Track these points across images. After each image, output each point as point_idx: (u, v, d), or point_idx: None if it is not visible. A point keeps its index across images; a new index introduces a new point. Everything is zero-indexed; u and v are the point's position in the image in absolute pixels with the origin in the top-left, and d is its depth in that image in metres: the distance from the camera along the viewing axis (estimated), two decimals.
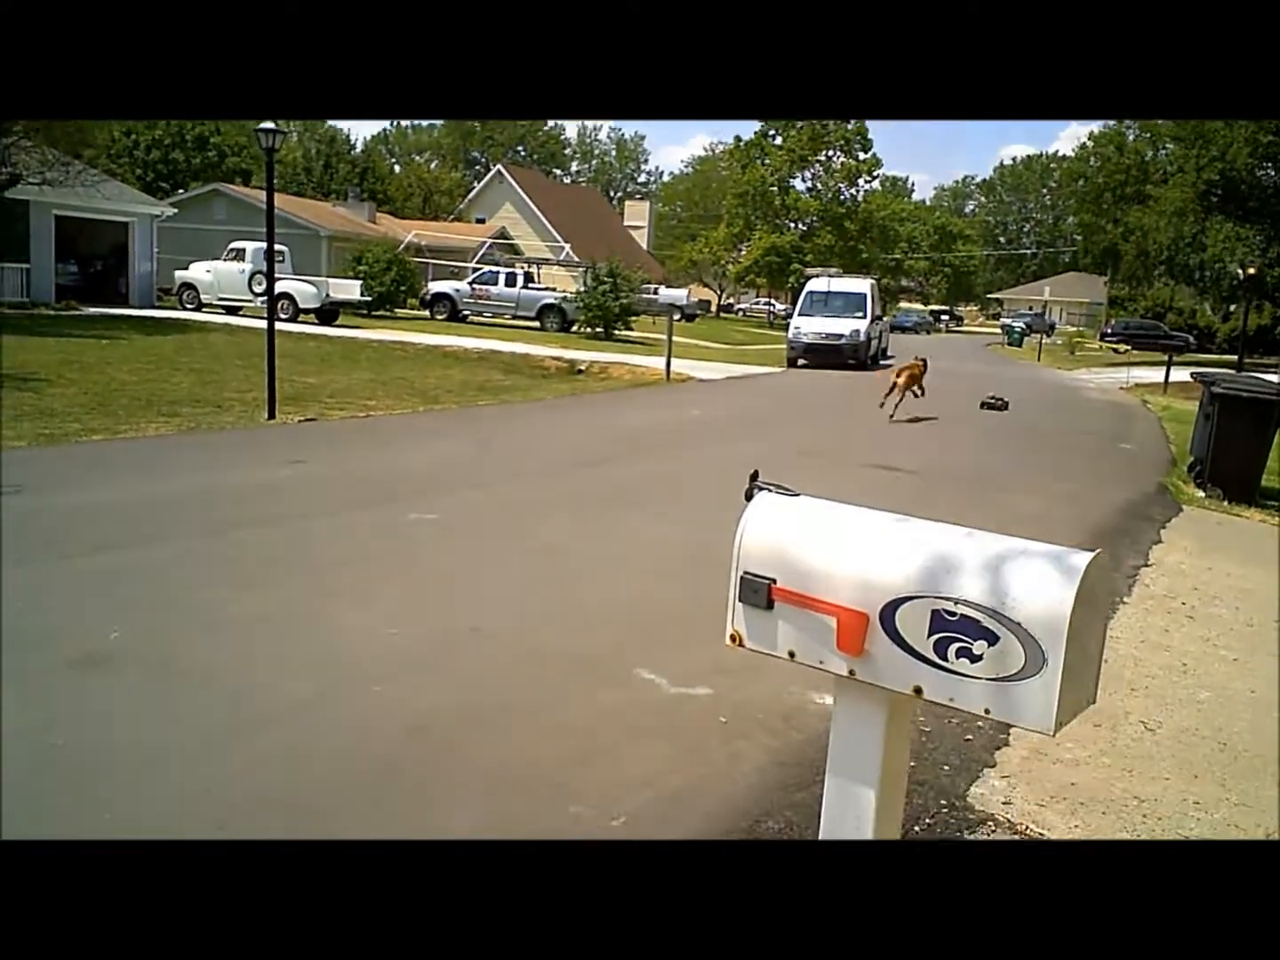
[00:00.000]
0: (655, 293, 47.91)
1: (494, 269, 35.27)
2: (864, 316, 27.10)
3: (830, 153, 59.67)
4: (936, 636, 1.93)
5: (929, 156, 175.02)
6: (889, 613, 1.98)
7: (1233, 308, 45.67)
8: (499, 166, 60.66)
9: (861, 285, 28.94)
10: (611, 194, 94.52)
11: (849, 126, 59.01)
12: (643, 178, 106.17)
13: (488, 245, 43.55)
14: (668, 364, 20.70)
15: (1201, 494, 10.83)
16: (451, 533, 7.38)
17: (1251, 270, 29.58)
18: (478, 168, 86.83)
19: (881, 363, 29.22)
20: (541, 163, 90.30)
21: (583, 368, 21.75)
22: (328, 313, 27.41)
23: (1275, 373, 27.21)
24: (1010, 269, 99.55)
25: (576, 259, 41.89)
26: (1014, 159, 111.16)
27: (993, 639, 1.88)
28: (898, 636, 1.97)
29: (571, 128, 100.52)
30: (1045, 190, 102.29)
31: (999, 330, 60.82)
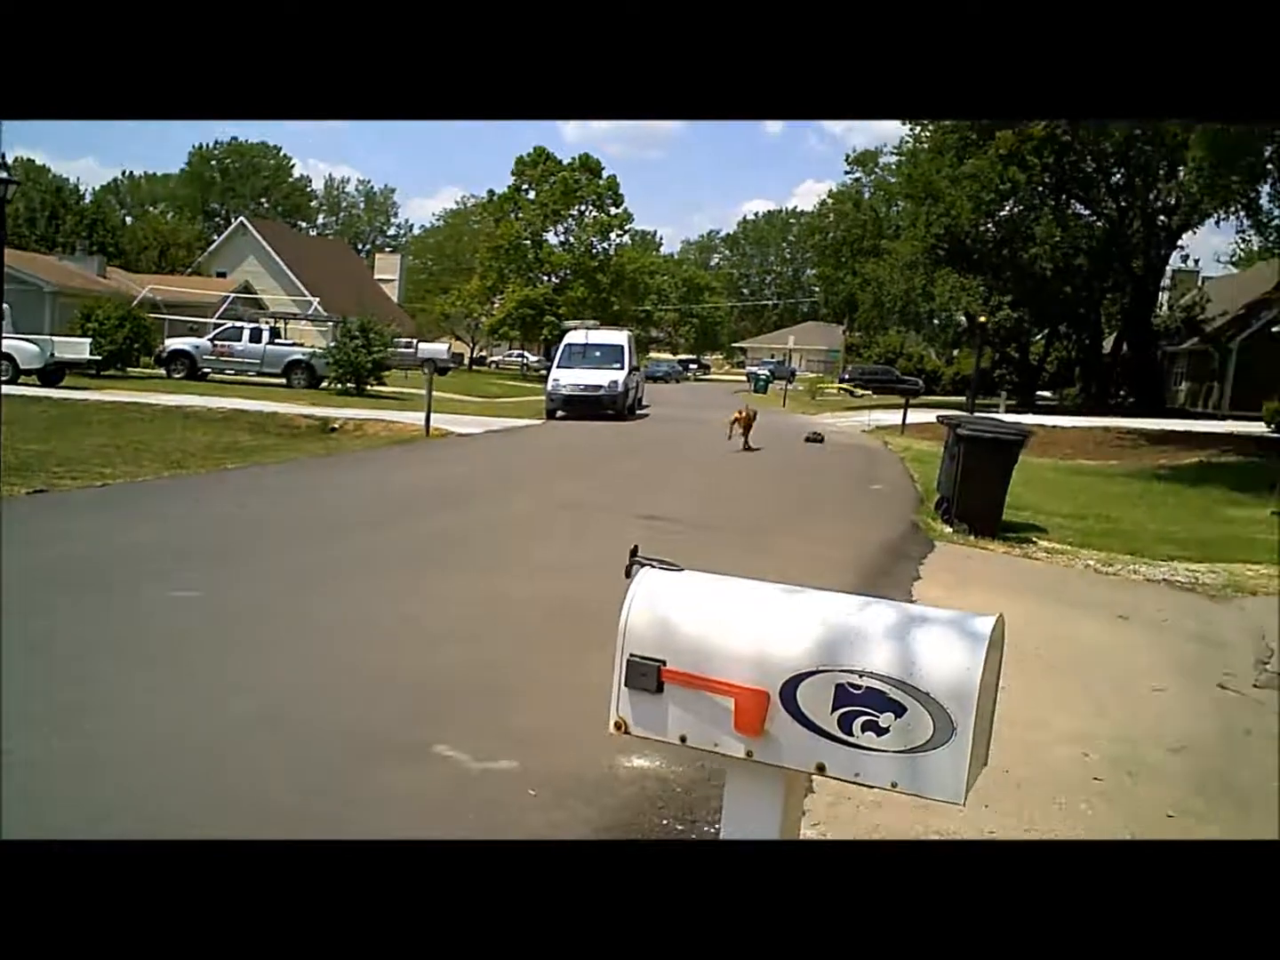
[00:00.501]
0: (410, 346, 47.25)
1: (237, 324, 33.81)
2: (621, 367, 27.59)
3: (583, 207, 60.84)
4: (841, 711, 1.86)
5: (676, 211, 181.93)
6: (790, 690, 1.89)
7: (955, 352, 49.54)
8: (241, 218, 58.43)
9: (618, 337, 29.49)
10: (360, 246, 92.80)
11: (600, 181, 60.40)
12: (393, 230, 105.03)
13: (230, 300, 41.70)
14: (427, 419, 20.30)
15: (950, 529, 11.47)
16: (219, 611, 6.83)
17: (983, 319, 32.19)
18: (217, 220, 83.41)
19: (638, 412, 29.79)
20: (286, 214, 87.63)
21: (336, 425, 21.07)
22: (51, 373, 25.41)
23: (997, 410, 29.57)
24: (753, 319, 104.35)
25: (325, 313, 40.76)
26: (755, 214, 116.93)
27: (900, 710, 1.83)
28: (800, 714, 1.89)
29: (318, 180, 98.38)
30: (785, 244, 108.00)
31: (745, 378, 63.38)
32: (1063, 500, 14.99)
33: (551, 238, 61.17)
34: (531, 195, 60.59)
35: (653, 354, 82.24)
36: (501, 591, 7.74)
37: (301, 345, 33.97)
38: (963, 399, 42.15)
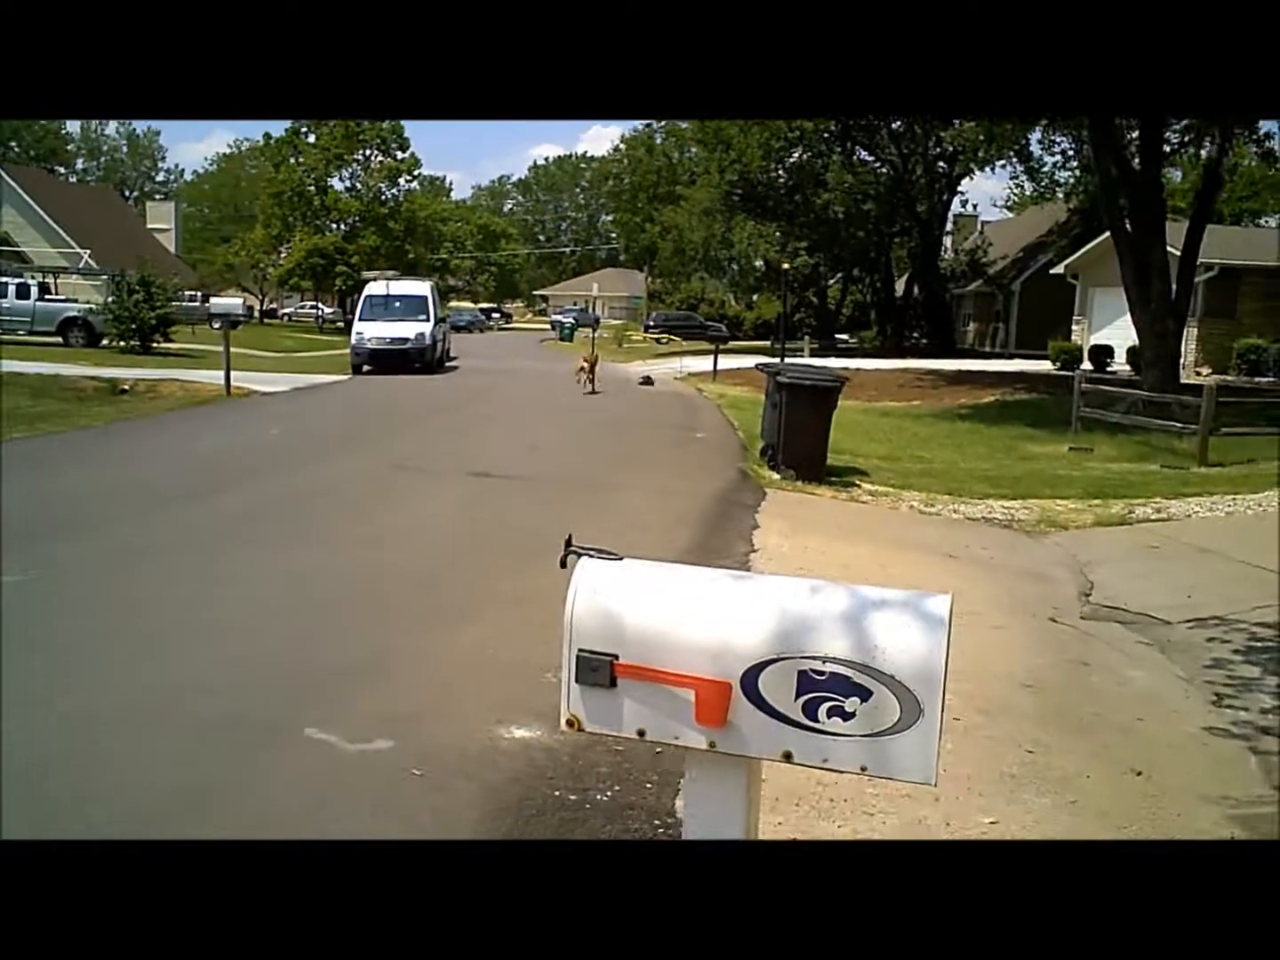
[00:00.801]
0: (194, 300, 44.87)
1: (0, 279, 31.28)
2: (427, 319, 26.92)
3: (368, 151, 58.75)
4: (805, 698, 1.83)
5: (462, 155, 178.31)
6: (751, 678, 1.85)
7: (755, 297, 50.66)
8: None
9: (421, 288, 28.73)
10: (127, 193, 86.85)
11: (384, 125, 58.40)
12: (161, 176, 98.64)
13: None
14: (227, 378, 19.33)
15: (777, 476, 11.74)
16: (52, 596, 6.31)
17: (785, 265, 32.97)
18: None
19: (447, 365, 29.20)
20: (40, 160, 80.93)
21: (126, 387, 19.81)
22: None
23: (801, 355, 30.43)
24: (551, 266, 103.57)
25: (97, 266, 38.21)
26: (546, 159, 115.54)
27: (865, 695, 1.81)
28: (763, 702, 1.85)
29: (73, 122, 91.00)
30: (578, 189, 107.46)
31: (550, 326, 63.03)
32: (876, 443, 15.56)
33: (337, 184, 59.07)
34: (312, 139, 58.07)
35: (453, 303, 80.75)
36: (345, 562, 7.45)
37: (75, 301, 31.78)
38: (765, 343, 43.18)
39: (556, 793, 4.00)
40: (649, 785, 4.19)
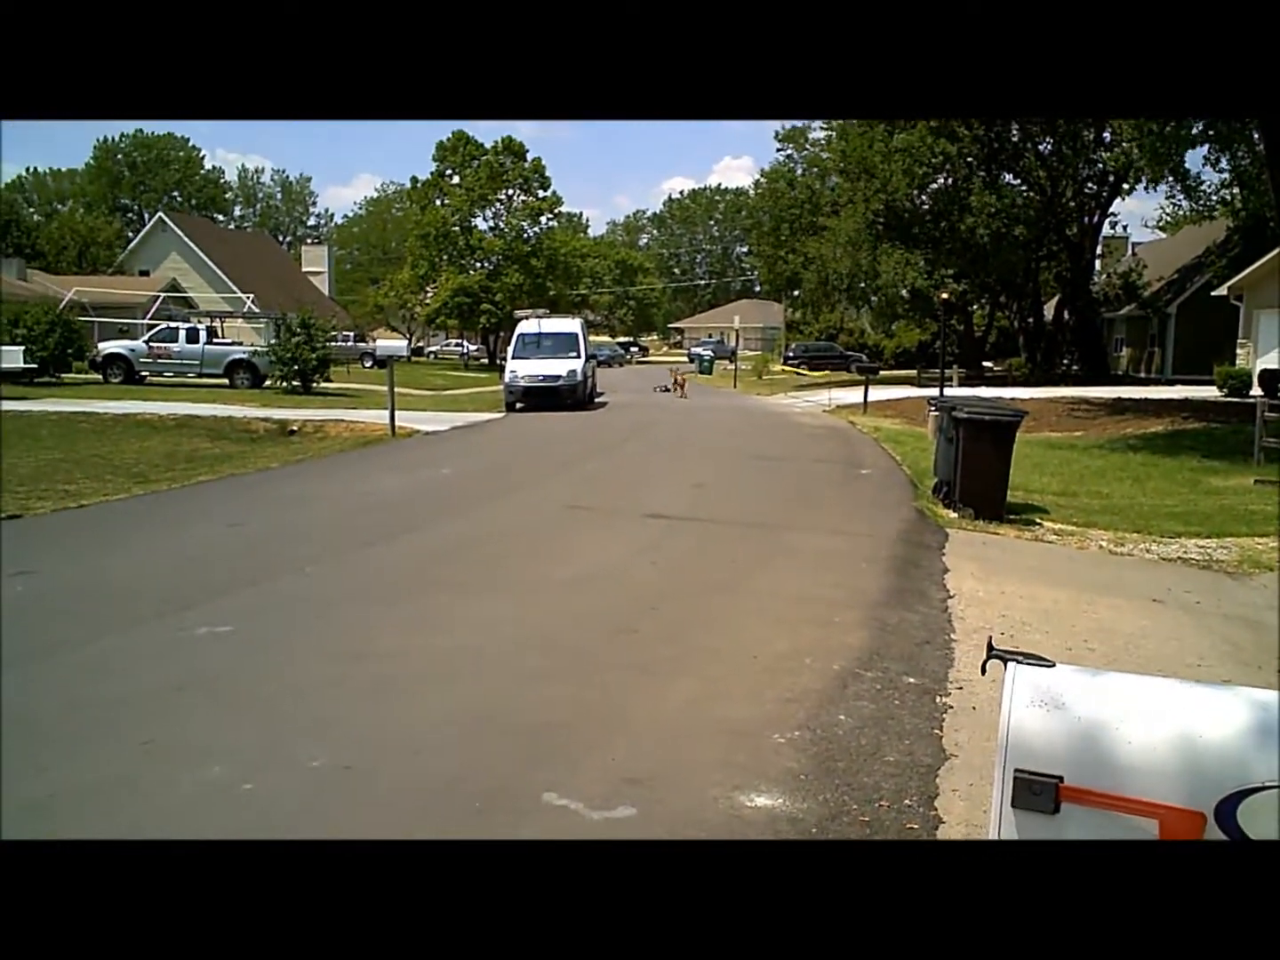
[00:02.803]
0: (350, 340, 46.42)
1: (172, 324, 32.86)
2: (578, 356, 27.18)
3: (510, 191, 60.05)
4: None
5: (597, 192, 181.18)
6: (1229, 808, 1.64)
7: (894, 326, 49.84)
8: (160, 214, 56.76)
9: (572, 325, 29.03)
10: (281, 238, 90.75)
11: (526, 164, 59.70)
12: (313, 220, 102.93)
13: (160, 300, 40.51)
14: (392, 419, 19.83)
15: (954, 514, 11.36)
16: (256, 646, 6.43)
17: (945, 295, 32.39)
18: (130, 216, 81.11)
19: (596, 401, 29.43)
20: (201, 208, 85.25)
21: (295, 428, 20.53)
22: None
23: (950, 384, 29.67)
24: (687, 298, 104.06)
25: (258, 310, 39.88)
26: (680, 192, 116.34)
27: None
28: (1244, 838, 1.64)
29: (231, 170, 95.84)
30: (712, 222, 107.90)
31: (688, 359, 63.12)
32: (1049, 476, 14.98)
33: (481, 223, 60.44)
34: (456, 180, 59.67)
35: (591, 338, 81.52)
36: (544, 611, 7.40)
37: (241, 344, 33.14)
38: (908, 372, 42.32)
39: None
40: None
